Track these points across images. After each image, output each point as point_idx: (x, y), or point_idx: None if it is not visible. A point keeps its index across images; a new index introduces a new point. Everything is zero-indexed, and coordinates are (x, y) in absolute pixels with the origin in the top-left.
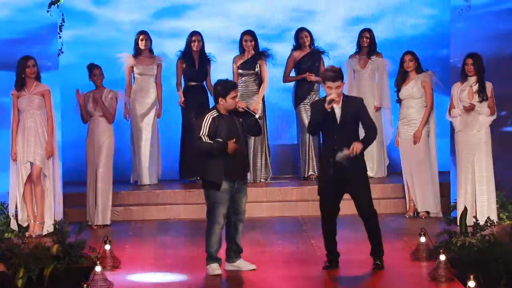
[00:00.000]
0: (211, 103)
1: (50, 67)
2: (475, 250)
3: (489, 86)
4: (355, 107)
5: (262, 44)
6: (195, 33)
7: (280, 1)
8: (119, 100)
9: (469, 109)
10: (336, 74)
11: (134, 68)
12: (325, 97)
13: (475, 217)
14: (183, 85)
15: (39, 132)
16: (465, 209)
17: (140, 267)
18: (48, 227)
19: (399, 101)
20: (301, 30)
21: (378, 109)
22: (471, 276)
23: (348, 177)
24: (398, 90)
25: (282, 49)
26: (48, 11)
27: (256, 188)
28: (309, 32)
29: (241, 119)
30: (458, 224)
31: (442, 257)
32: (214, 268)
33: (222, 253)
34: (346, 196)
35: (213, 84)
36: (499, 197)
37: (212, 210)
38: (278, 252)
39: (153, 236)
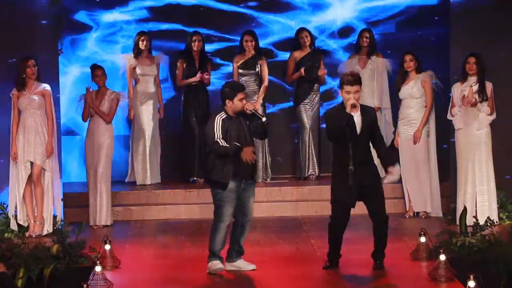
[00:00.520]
0: (212, 103)
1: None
2: (475, 250)
3: (489, 86)
4: (371, 117)
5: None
6: (195, 33)
7: None
8: (122, 102)
9: (468, 101)
10: (355, 79)
11: (136, 69)
12: (340, 104)
13: (475, 217)
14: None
15: (39, 132)
16: (465, 209)
17: (140, 267)
18: (48, 227)
19: (399, 101)
20: (301, 30)
21: (378, 109)
22: (471, 276)
23: (365, 183)
24: (398, 90)
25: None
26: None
27: (256, 188)
28: (309, 32)
29: (248, 122)
30: (458, 224)
31: (442, 257)
32: (216, 264)
33: (222, 253)
34: None
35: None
36: (499, 197)
37: (219, 208)
38: (278, 252)
39: (153, 236)
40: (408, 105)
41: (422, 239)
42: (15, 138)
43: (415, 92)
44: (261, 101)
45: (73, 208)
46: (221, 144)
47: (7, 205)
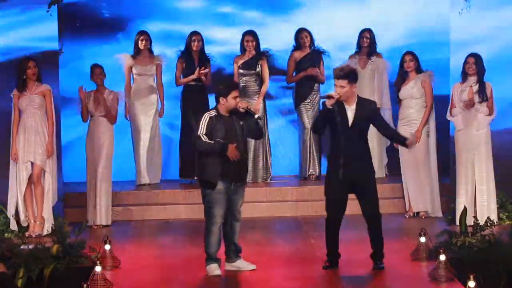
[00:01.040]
0: (211, 103)
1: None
2: (475, 250)
3: (489, 86)
4: (367, 111)
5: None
6: (195, 33)
7: None
8: (121, 101)
9: (468, 104)
10: (341, 73)
11: (133, 68)
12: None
13: (475, 217)
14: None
15: (40, 132)
16: (465, 209)
17: (140, 267)
18: (48, 227)
19: (399, 101)
20: (301, 30)
21: (378, 109)
22: (471, 276)
23: (357, 177)
24: (398, 90)
25: None
26: (48, 11)
27: (256, 188)
28: (309, 32)
29: (241, 122)
30: (458, 224)
31: (442, 257)
32: (214, 269)
33: (221, 254)
34: (350, 196)
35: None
36: (499, 197)
37: (209, 210)
38: (278, 252)
39: (153, 236)
40: (408, 105)
41: (422, 239)
42: (15, 138)
43: (415, 92)
44: (261, 101)
45: (73, 208)
46: (203, 139)
47: (7, 205)
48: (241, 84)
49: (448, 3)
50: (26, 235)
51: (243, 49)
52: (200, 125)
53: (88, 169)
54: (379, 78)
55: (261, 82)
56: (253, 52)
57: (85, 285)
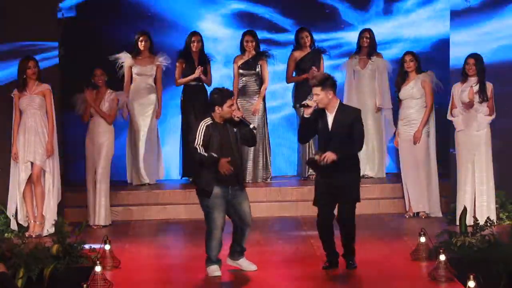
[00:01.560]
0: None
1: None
2: (475, 250)
3: (489, 86)
4: (349, 117)
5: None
6: (194, 33)
7: None
8: (121, 101)
9: (469, 105)
10: (314, 82)
11: (132, 68)
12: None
13: (475, 217)
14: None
15: (40, 132)
16: (465, 209)
17: (140, 267)
18: (48, 227)
19: (399, 101)
20: (301, 30)
21: (378, 109)
22: (471, 276)
23: (336, 183)
24: (398, 91)
25: None
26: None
27: (256, 188)
28: (309, 32)
29: (235, 129)
30: (458, 224)
31: (442, 257)
32: (214, 270)
33: (225, 250)
34: None
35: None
36: (499, 197)
37: (208, 216)
38: (278, 252)
39: (153, 236)
40: (408, 106)
41: (422, 239)
42: (15, 138)
43: (415, 92)
44: (261, 102)
45: (73, 208)
46: (198, 151)
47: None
48: (241, 84)
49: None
50: (26, 235)
51: (242, 49)
52: (197, 135)
53: (88, 169)
54: (379, 78)
55: (261, 82)
56: (253, 52)
57: (85, 285)
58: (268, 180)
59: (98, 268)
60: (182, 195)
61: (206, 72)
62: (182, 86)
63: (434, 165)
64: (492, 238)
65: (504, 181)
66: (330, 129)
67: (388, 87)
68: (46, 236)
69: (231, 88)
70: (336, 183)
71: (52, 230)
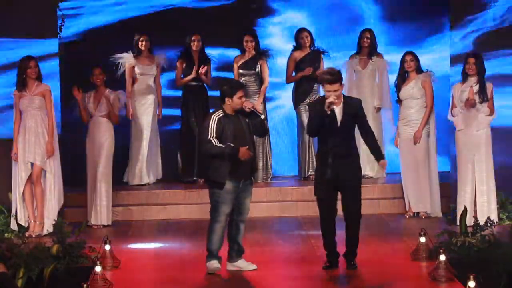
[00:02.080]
0: (211, 103)
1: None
2: (475, 250)
3: (489, 86)
4: (354, 108)
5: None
6: (194, 33)
7: None
8: (121, 101)
9: (469, 103)
10: (334, 77)
11: (135, 68)
12: (323, 97)
13: (475, 217)
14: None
15: (39, 132)
16: (465, 209)
17: (140, 267)
18: (48, 227)
19: (399, 101)
20: (301, 30)
21: (378, 109)
22: (471, 276)
23: (343, 177)
24: (399, 91)
25: None
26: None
27: (256, 188)
28: (309, 32)
29: (246, 119)
30: (458, 224)
31: (442, 257)
32: (213, 263)
33: (223, 253)
34: None
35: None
36: (499, 197)
37: (215, 208)
38: (278, 252)
39: (153, 236)
40: (408, 106)
41: (422, 239)
42: (16, 138)
43: (416, 92)
44: (262, 102)
45: (73, 208)
46: (214, 143)
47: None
48: None
49: None
50: (26, 235)
51: (242, 49)
52: (209, 128)
53: (88, 169)
54: (379, 78)
55: (261, 82)
56: (253, 52)
57: (85, 285)
58: (268, 180)
59: (98, 268)
60: (182, 195)
61: (206, 72)
62: (182, 86)
63: (434, 165)
64: (492, 238)
65: (504, 181)
66: (339, 122)
67: (388, 87)
68: (46, 236)
69: None
70: (342, 176)
71: (51, 229)
